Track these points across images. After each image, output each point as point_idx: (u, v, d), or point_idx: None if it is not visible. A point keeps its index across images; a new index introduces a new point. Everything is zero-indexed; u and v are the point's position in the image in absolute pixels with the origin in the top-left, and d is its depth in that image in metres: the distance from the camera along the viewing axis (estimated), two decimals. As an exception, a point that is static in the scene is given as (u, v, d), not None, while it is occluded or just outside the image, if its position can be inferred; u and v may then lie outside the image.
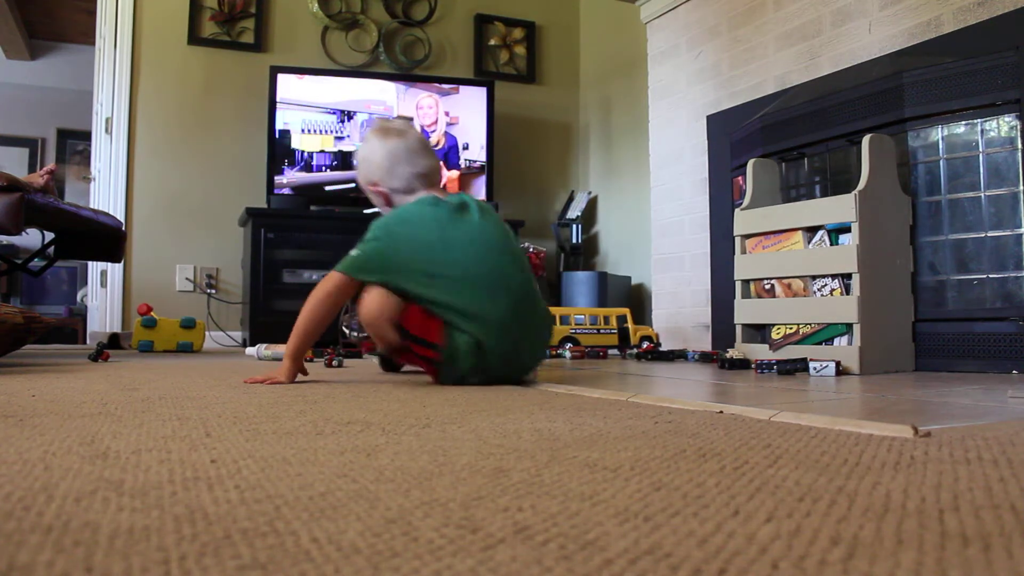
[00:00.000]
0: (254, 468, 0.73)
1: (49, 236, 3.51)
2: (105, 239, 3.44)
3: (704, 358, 2.95)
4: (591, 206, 5.31)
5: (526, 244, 3.22)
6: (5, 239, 6.61)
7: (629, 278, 4.77)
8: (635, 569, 0.43)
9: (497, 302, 1.82)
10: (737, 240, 2.70)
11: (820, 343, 2.41)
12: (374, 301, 1.76)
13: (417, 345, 1.77)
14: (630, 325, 3.78)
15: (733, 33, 3.70)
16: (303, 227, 4.38)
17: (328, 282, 1.81)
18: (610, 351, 3.59)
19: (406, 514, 0.55)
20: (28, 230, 2.93)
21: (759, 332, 2.66)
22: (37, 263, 4.07)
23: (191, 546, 0.47)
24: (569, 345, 3.55)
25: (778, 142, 2.84)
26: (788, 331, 2.51)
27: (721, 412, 1.25)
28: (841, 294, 2.35)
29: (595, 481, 0.68)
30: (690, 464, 0.77)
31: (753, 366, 2.35)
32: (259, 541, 0.48)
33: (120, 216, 4.44)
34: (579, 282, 4.56)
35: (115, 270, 4.57)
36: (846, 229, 2.36)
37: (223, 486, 0.65)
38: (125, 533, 0.50)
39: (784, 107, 2.88)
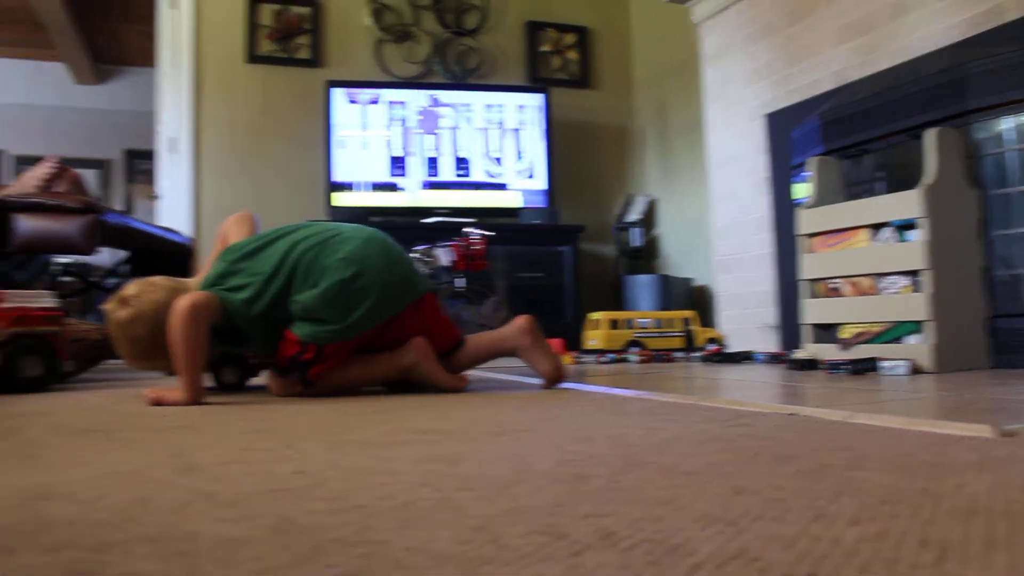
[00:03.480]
0: (338, 478, 0.74)
1: (123, 254, 3.60)
2: (175, 256, 3.52)
3: (772, 359, 2.92)
4: (650, 209, 5.28)
5: (470, 230, 3.23)
6: (80, 259, 6.80)
7: (691, 280, 4.74)
8: (724, 573, 0.44)
9: None
10: (801, 239, 2.67)
11: (890, 341, 2.36)
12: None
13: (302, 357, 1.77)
14: (695, 327, 3.76)
15: (787, 31, 3.66)
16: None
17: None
18: (675, 354, 3.57)
19: (491, 522, 0.56)
20: (101, 249, 3.01)
21: (827, 332, 2.63)
22: (110, 281, 4.17)
23: (287, 555, 0.49)
24: (635, 349, 3.54)
25: (839, 139, 2.80)
26: (857, 330, 2.47)
27: (794, 414, 1.24)
28: (910, 291, 2.31)
29: (674, 486, 0.68)
30: (767, 467, 0.77)
31: (822, 366, 2.32)
32: (352, 550, 0.50)
33: (188, 233, 4.54)
34: (641, 285, 4.55)
35: (184, 286, 4.66)
36: (912, 225, 2.32)
37: (310, 497, 0.67)
38: (224, 543, 0.52)
39: (843, 103, 2.84)
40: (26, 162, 7.81)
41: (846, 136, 2.77)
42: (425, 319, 1.88)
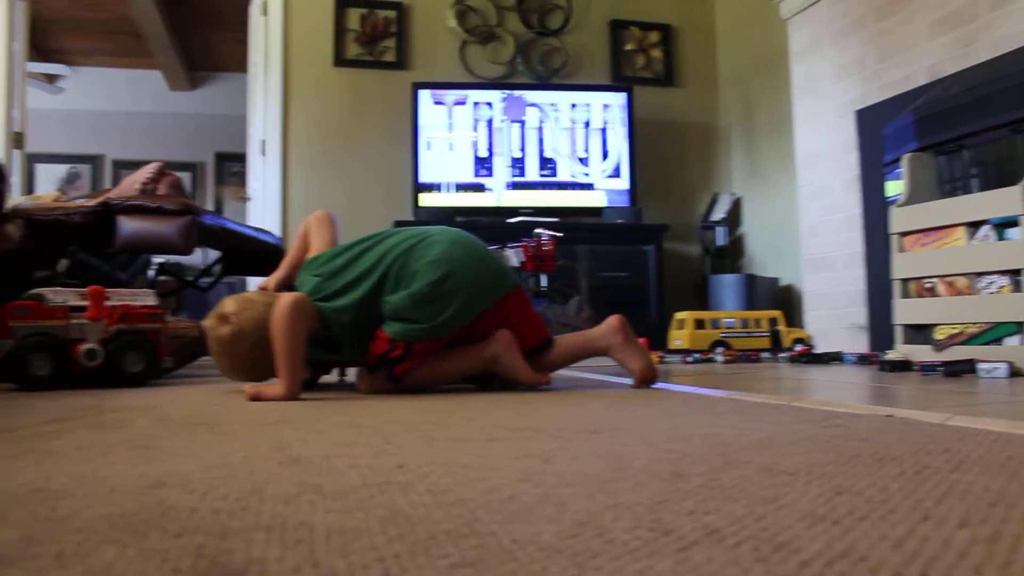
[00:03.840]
0: (439, 473, 0.76)
1: (215, 254, 3.71)
2: (266, 256, 3.61)
3: (862, 360, 2.87)
4: (735, 208, 5.22)
5: (540, 231, 3.26)
6: (174, 259, 7.04)
7: (777, 280, 4.67)
8: (833, 571, 0.44)
9: None
10: (894, 238, 2.61)
11: (988, 343, 2.29)
12: None
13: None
14: (782, 328, 3.70)
15: (879, 24, 3.58)
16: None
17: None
18: (762, 354, 3.52)
19: (595, 517, 0.57)
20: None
21: (920, 333, 2.56)
22: (204, 280, 4.30)
23: (401, 545, 0.50)
24: (720, 349, 3.50)
25: (934, 135, 2.72)
26: (953, 331, 2.40)
27: (890, 416, 1.22)
28: (1010, 291, 2.24)
29: (774, 485, 0.68)
30: (868, 468, 0.76)
31: (916, 368, 2.26)
32: (462, 542, 0.51)
33: (277, 233, 4.66)
34: (726, 285, 4.50)
35: (274, 285, 4.78)
36: (1013, 223, 2.25)
37: (415, 490, 0.68)
38: (337, 532, 0.54)
39: (938, 98, 2.76)
40: (124, 167, 8.12)
41: (941, 131, 2.69)
42: (510, 315, 1.90)
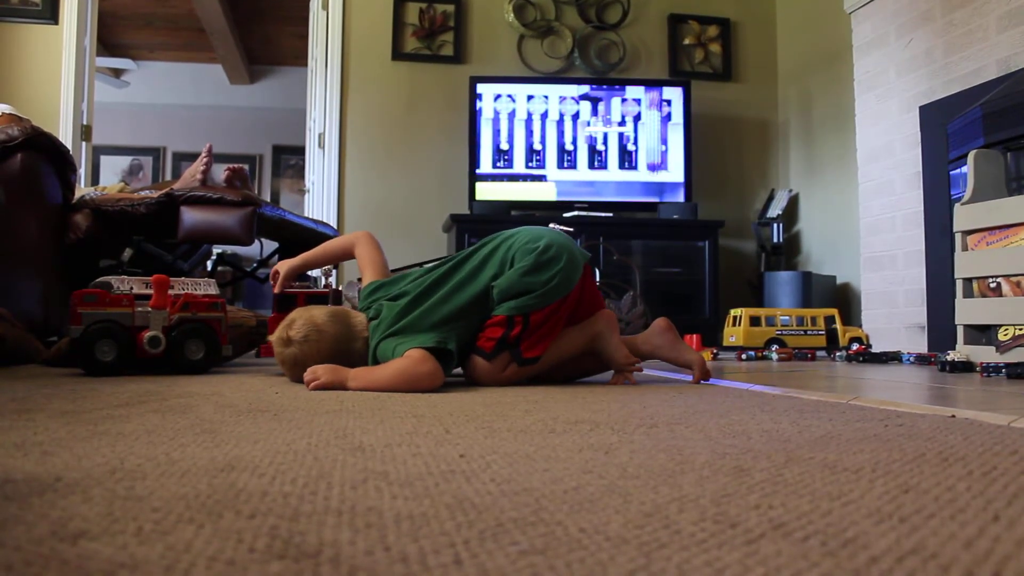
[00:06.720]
0: (502, 463, 0.77)
1: (273, 245, 3.77)
2: (323, 248, 3.66)
3: (921, 360, 2.82)
4: (792, 204, 5.15)
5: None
6: (230, 249, 7.16)
7: (834, 277, 4.60)
8: (903, 567, 0.44)
9: None
10: (958, 236, 2.56)
11: (1055, 344, 2.24)
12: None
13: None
14: (839, 326, 3.65)
15: (948, 17, 3.50)
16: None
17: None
18: (818, 353, 3.48)
19: (661, 509, 0.58)
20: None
21: (983, 333, 2.51)
22: (262, 271, 4.37)
23: (470, 532, 0.51)
24: (775, 347, 3.47)
25: (1002, 131, 2.66)
26: (1018, 332, 2.35)
27: (953, 416, 1.20)
28: (1079, 292, 2.18)
29: (838, 482, 0.68)
30: (934, 468, 0.75)
31: (978, 369, 2.22)
32: (530, 530, 0.52)
33: (333, 224, 4.71)
34: (782, 282, 4.45)
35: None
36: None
37: (479, 479, 0.69)
38: (406, 518, 0.55)
39: (1009, 92, 2.70)
40: (184, 159, 8.28)
41: (1011, 127, 2.63)
42: (586, 286, 1.95)
